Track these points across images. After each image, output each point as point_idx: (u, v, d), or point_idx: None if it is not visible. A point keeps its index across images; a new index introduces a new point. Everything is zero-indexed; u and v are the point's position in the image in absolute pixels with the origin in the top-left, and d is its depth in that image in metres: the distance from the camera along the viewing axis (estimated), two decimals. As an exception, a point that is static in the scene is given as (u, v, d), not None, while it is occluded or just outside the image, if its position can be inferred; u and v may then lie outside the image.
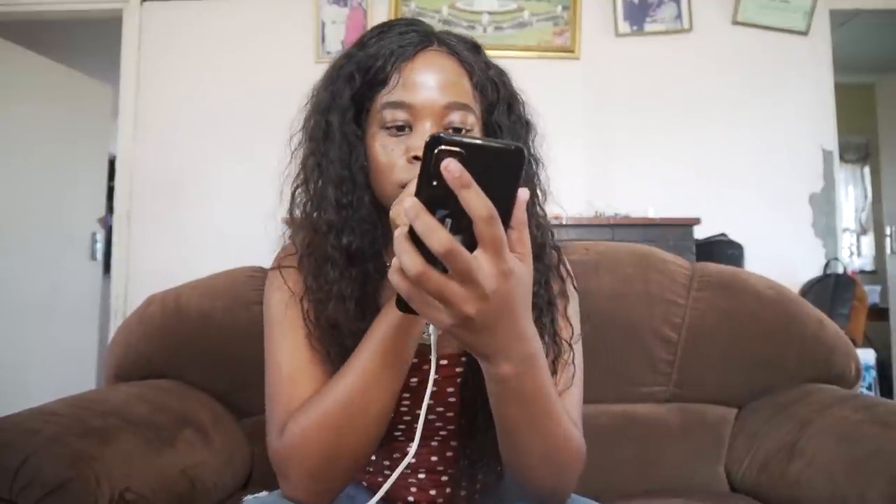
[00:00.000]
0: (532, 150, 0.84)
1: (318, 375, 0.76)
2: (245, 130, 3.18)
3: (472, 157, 0.46)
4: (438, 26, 0.84)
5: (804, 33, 3.13)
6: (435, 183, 0.46)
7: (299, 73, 3.07)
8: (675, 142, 3.13)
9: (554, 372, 0.79)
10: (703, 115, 3.13)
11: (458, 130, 0.75)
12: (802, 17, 3.11)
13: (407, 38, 0.76)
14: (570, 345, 0.82)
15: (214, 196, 3.20)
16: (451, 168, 0.45)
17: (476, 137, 0.50)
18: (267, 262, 1.35)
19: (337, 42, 3.16)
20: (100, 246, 3.61)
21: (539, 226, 0.82)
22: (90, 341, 3.56)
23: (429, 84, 0.74)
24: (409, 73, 0.75)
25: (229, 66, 3.24)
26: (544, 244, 0.83)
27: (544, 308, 0.80)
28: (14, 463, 0.79)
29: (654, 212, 2.93)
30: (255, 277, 1.29)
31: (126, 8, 3.26)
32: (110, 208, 3.43)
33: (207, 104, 3.23)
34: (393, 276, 0.50)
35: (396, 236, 0.48)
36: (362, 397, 0.70)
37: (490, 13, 3.13)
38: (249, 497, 0.79)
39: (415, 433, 0.64)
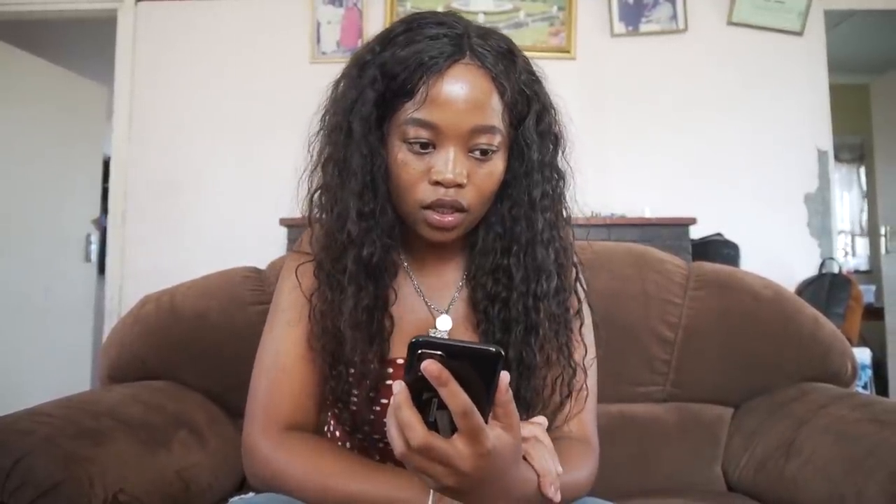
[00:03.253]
0: (560, 164, 0.82)
1: (306, 375, 0.80)
2: (240, 131, 3.17)
3: (451, 357, 0.52)
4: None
5: (799, 34, 3.13)
6: (420, 374, 0.52)
7: (294, 74, 3.12)
8: (671, 142, 3.13)
9: (568, 395, 0.81)
10: (699, 115, 3.14)
11: (484, 152, 0.73)
12: (797, 18, 3.12)
13: (437, 47, 0.71)
14: (584, 368, 0.83)
15: (209, 197, 3.18)
16: (430, 370, 0.51)
17: (455, 340, 0.56)
18: (262, 262, 1.35)
19: (332, 42, 3.15)
20: (94, 247, 3.60)
21: (558, 250, 0.81)
22: (85, 342, 3.54)
23: (457, 105, 0.71)
24: (438, 90, 0.70)
25: (224, 66, 3.23)
26: (565, 264, 0.82)
27: (561, 329, 0.81)
28: (6, 464, 0.79)
29: (650, 212, 2.93)
30: (250, 278, 1.28)
31: (121, 8, 3.25)
32: (105, 209, 3.42)
33: (202, 104, 3.22)
34: (388, 436, 0.56)
35: (388, 414, 0.56)
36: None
37: (486, 13, 3.13)
38: (235, 498, 0.79)
39: None
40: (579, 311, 0.85)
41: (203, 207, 3.18)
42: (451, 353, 0.52)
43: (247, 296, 1.25)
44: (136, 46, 3.26)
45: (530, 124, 0.77)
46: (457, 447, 0.54)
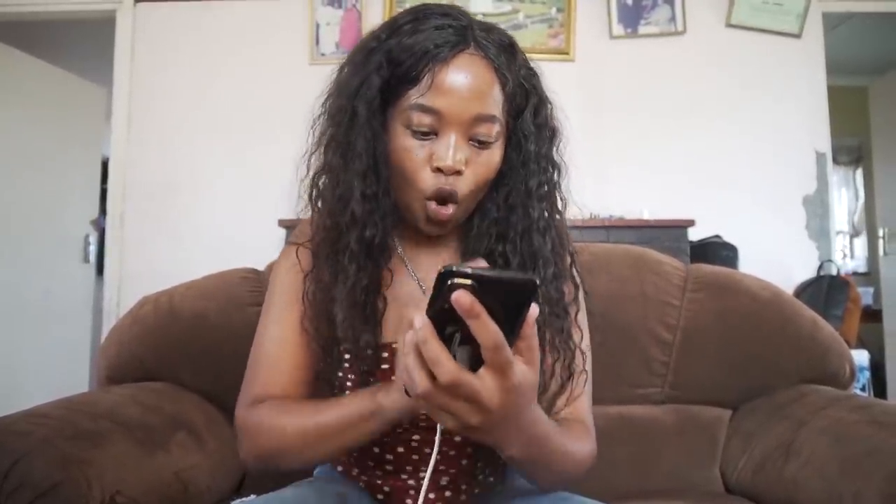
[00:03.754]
0: (555, 156, 0.84)
1: (300, 359, 0.81)
2: (239, 132, 3.17)
3: (483, 287, 0.48)
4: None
5: (797, 36, 3.14)
6: (446, 306, 0.49)
7: (293, 75, 3.12)
8: (670, 143, 3.14)
9: (569, 377, 0.82)
10: (697, 117, 3.14)
11: (482, 143, 0.75)
12: (795, 20, 3.12)
13: (443, 36, 0.73)
14: (581, 351, 0.84)
15: (208, 198, 3.18)
16: (461, 302, 0.48)
17: (487, 269, 0.52)
18: (261, 263, 1.35)
19: (331, 44, 3.16)
20: (93, 248, 3.59)
21: (554, 238, 0.82)
22: (83, 344, 3.54)
23: (460, 92, 0.73)
24: (442, 78, 0.72)
25: (223, 67, 3.23)
26: (561, 252, 0.84)
27: (560, 313, 0.82)
28: (4, 466, 0.78)
29: (648, 213, 2.93)
30: (249, 279, 1.28)
31: (119, 9, 3.25)
32: (103, 210, 3.41)
33: (201, 105, 3.22)
34: (402, 375, 0.55)
35: (406, 347, 0.53)
36: (324, 443, 0.72)
37: (485, 15, 3.13)
38: (236, 501, 0.79)
39: (430, 437, 0.66)
40: (576, 298, 0.86)
41: (201, 209, 3.18)
42: (484, 284, 0.48)
43: (245, 297, 1.25)
44: (134, 48, 3.26)
45: (528, 116, 0.79)
46: (485, 382, 0.52)
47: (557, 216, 0.84)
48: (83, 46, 3.77)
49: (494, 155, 0.77)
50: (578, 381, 0.83)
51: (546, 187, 0.82)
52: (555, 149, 0.84)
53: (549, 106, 0.83)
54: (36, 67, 3.34)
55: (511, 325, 0.51)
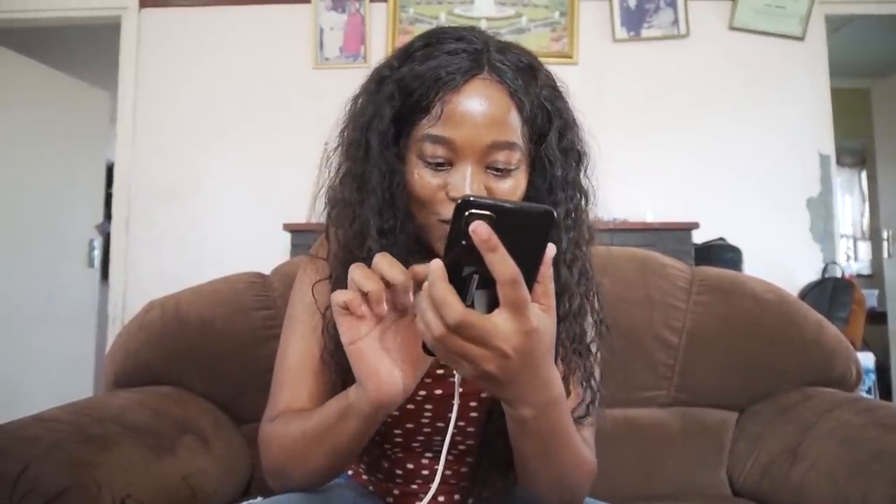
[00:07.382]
0: (583, 181, 0.80)
1: (318, 385, 0.79)
2: (243, 136, 3.18)
3: (501, 220, 0.48)
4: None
5: (800, 38, 3.14)
6: (464, 242, 0.48)
7: (297, 80, 3.14)
8: (673, 146, 3.14)
9: (585, 414, 0.79)
10: (701, 119, 3.15)
11: (500, 170, 0.71)
12: (798, 23, 3.13)
13: (455, 63, 0.70)
14: (600, 389, 0.82)
15: (213, 202, 3.19)
16: (479, 231, 0.47)
17: (505, 201, 0.52)
18: (267, 267, 1.36)
19: (335, 48, 3.16)
20: (97, 253, 3.60)
21: (581, 271, 0.79)
22: (88, 348, 3.54)
23: (474, 120, 0.68)
24: (454, 106, 0.69)
25: (227, 72, 3.24)
26: (586, 285, 0.80)
27: (584, 351, 0.79)
28: (14, 471, 0.79)
29: (652, 216, 2.93)
30: (255, 284, 1.29)
31: (124, 14, 3.27)
32: (108, 215, 3.43)
33: (206, 110, 3.23)
34: (419, 324, 0.53)
35: (422, 294, 0.52)
36: (313, 448, 0.71)
37: (488, 19, 3.14)
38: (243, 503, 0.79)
39: (432, 445, 0.67)
40: (599, 333, 0.84)
41: (207, 213, 3.19)
42: (503, 215, 0.48)
43: (251, 302, 1.25)
44: (139, 52, 3.28)
45: (552, 141, 0.75)
46: (497, 324, 0.51)
47: (584, 246, 0.80)
48: (88, 51, 3.79)
49: (519, 182, 0.73)
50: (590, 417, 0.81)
51: (573, 216, 0.78)
52: (582, 173, 0.80)
53: (574, 128, 0.79)
54: (41, 72, 3.35)
55: (528, 267, 0.50)
